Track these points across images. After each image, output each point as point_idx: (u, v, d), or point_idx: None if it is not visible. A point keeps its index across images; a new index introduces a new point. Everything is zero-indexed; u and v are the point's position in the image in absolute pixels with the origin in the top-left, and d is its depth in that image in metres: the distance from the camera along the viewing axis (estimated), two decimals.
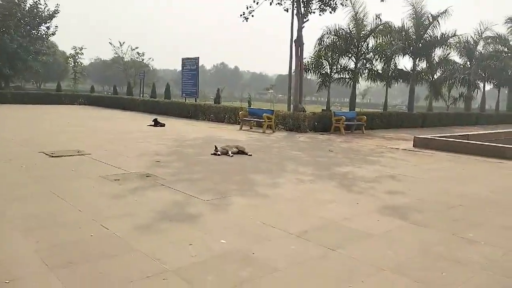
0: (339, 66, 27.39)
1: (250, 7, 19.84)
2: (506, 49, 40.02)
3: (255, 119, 17.09)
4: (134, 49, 61.24)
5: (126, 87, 47.49)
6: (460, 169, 9.15)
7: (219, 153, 9.35)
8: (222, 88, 45.63)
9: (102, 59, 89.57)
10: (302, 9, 19.60)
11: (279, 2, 20.40)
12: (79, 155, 8.66)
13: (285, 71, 29.44)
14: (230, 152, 9.44)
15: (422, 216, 5.16)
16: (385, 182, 7.20)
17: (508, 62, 39.44)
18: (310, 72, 27.26)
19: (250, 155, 9.64)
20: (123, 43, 62.27)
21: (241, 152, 9.72)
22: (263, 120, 16.17)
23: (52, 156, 8.33)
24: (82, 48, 48.98)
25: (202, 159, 8.87)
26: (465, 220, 5.05)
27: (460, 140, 12.56)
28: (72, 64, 50.93)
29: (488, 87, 41.68)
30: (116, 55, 65.78)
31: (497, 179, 8.33)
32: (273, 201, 5.64)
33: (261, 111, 17.87)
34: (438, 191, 6.74)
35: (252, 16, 20.10)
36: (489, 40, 37.92)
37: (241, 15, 20.13)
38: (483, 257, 3.81)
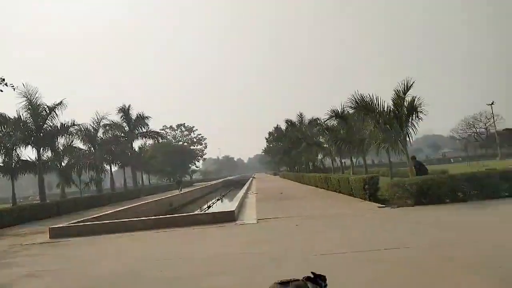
0: None
1: None
2: (123, 134, 46.64)
3: None
4: None
5: None
6: (93, 251, 9.87)
7: None
8: None
9: None
10: None
11: None
12: None
13: None
14: None
15: None
16: (23, 284, 6.93)
17: (126, 145, 46.02)
18: None
19: None
20: None
21: None
22: None
23: None
24: None
25: None
26: None
27: (92, 222, 13.57)
28: None
29: (115, 168, 46.51)
30: None
31: (130, 251, 9.45)
32: None
33: None
34: (75, 278, 7.17)
35: None
36: (108, 127, 43.07)
37: None
38: None
